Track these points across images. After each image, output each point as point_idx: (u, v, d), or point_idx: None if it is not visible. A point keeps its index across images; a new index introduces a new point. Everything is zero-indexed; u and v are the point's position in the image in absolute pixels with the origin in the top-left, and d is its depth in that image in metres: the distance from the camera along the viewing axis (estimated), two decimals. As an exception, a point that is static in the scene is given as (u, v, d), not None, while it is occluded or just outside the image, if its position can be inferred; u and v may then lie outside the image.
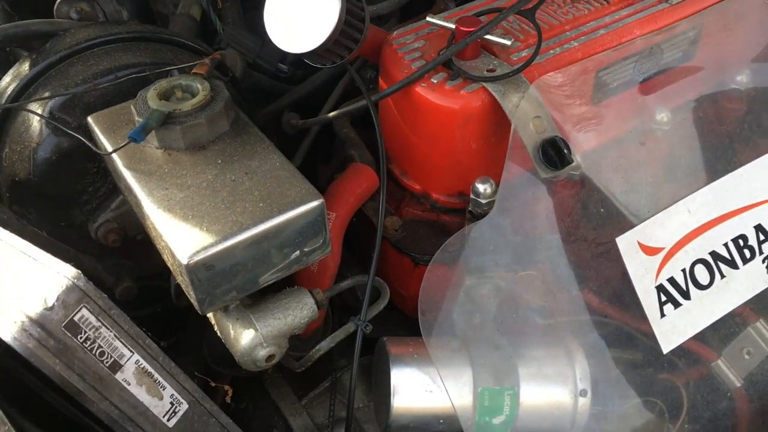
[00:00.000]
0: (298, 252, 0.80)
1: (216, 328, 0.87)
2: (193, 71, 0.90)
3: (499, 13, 0.94)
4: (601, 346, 0.93)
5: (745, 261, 1.00)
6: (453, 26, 0.95)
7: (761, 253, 1.01)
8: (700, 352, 1.00)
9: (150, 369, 0.79)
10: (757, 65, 1.08)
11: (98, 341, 0.75)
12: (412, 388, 0.90)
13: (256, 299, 0.86)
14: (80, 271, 0.73)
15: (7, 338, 0.70)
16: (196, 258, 0.73)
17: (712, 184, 0.99)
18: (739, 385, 1.01)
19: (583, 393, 0.91)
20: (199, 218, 0.76)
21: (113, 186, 0.97)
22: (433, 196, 1.03)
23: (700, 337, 0.98)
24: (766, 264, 1.01)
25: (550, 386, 0.91)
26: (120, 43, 0.99)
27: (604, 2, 1.05)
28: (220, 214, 0.77)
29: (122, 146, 0.82)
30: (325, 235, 0.81)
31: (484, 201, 0.93)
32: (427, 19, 0.99)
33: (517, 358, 0.91)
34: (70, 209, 0.97)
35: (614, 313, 0.94)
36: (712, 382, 1.00)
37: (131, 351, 0.77)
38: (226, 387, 1.03)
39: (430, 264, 0.90)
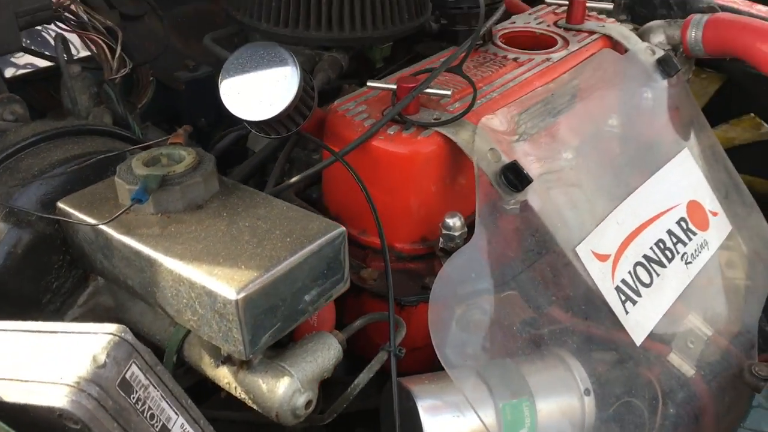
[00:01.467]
0: (327, 283, 0.80)
1: (239, 391, 0.82)
2: (170, 142, 0.90)
3: (432, 71, 1.05)
4: (585, 350, 1.01)
5: (669, 260, 1.14)
6: (394, 86, 1.05)
7: (678, 252, 1.16)
8: (658, 348, 1.10)
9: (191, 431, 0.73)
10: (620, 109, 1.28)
11: (148, 402, 0.68)
12: (441, 416, 0.90)
13: (278, 352, 0.83)
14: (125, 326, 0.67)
15: (63, 403, 0.62)
16: (245, 293, 0.71)
17: (626, 200, 1.14)
18: (693, 372, 1.12)
19: (587, 392, 0.96)
20: (232, 260, 0.75)
21: (79, 279, 0.90)
22: (398, 247, 1.08)
23: (657, 337, 1.09)
24: (684, 261, 1.16)
25: (558, 391, 0.96)
26: (67, 136, 0.96)
27: (502, 65, 1.21)
28: (252, 253, 0.76)
29: (125, 210, 0.79)
30: (345, 266, 0.83)
31: (456, 234, 0.99)
32: (368, 83, 1.08)
33: (522, 370, 0.95)
34: (30, 312, 0.89)
35: (589, 317, 1.02)
36: (673, 373, 1.10)
37: (176, 413, 0.71)
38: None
39: (431, 301, 0.93)
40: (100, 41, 1.21)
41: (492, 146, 1.00)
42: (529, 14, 1.44)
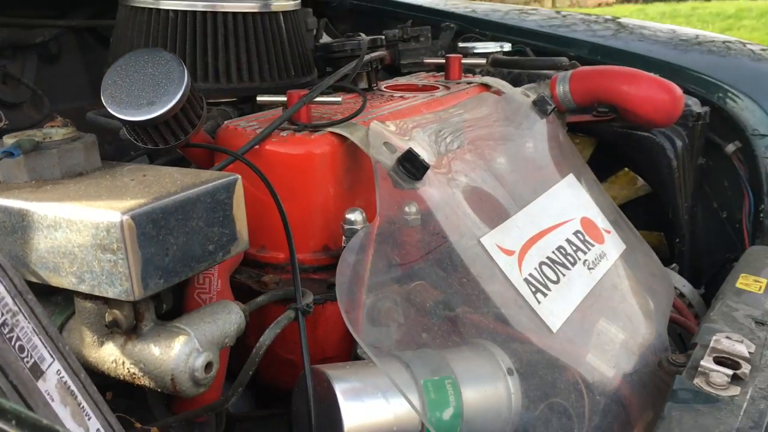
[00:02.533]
0: (222, 235, 0.74)
1: (127, 365, 0.72)
2: (46, 125, 0.85)
3: (323, 80, 1.07)
4: (502, 337, 0.96)
5: (572, 264, 1.14)
6: (284, 99, 1.05)
7: (579, 258, 1.17)
8: (575, 350, 1.07)
9: (73, 387, 0.63)
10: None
11: (17, 331, 0.59)
12: (361, 400, 0.81)
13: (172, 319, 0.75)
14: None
15: None
16: (130, 214, 0.65)
17: (522, 210, 1.15)
18: (613, 371, 1.08)
19: (509, 372, 0.91)
20: (116, 196, 0.69)
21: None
22: (299, 258, 1.02)
23: (572, 340, 1.06)
24: (587, 267, 1.17)
25: (481, 374, 0.90)
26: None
27: (390, 99, 1.25)
28: (138, 192, 0.70)
29: (-6, 163, 0.72)
30: (243, 222, 0.77)
31: (359, 227, 0.96)
32: (258, 99, 1.08)
33: (441, 354, 0.89)
34: None
35: (502, 306, 0.99)
36: (594, 373, 1.06)
37: (52, 356, 0.61)
38: (153, 429, 0.80)
39: (338, 285, 0.87)
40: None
41: (386, 140, 1.00)
42: (410, 77, 1.51)
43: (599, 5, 15.09)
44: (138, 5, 1.26)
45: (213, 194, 0.73)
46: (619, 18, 2.29)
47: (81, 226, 0.66)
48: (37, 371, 0.59)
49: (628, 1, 15.25)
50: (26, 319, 0.60)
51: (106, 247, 0.65)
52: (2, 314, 0.58)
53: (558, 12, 2.38)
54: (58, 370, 0.61)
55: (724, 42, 2.02)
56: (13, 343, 0.58)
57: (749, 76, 1.78)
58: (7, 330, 0.58)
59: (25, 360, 0.58)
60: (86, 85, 1.63)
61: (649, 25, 2.16)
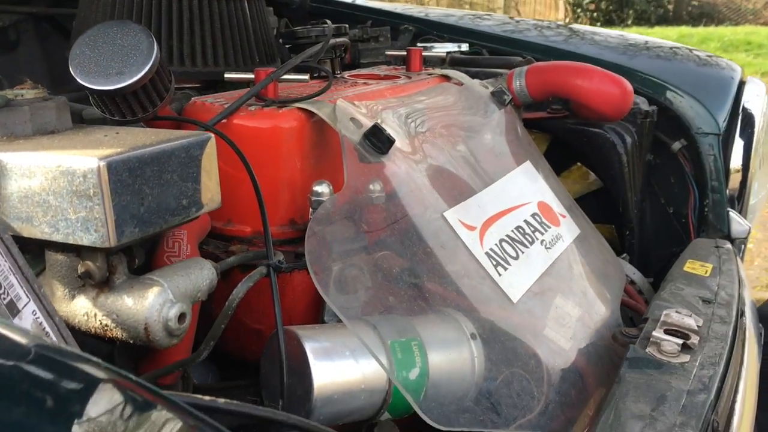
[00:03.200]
0: (196, 191, 0.75)
1: (99, 317, 0.72)
2: (16, 88, 0.85)
3: (291, 59, 1.09)
4: (465, 306, 0.99)
5: (530, 243, 1.18)
6: (252, 76, 1.07)
7: (537, 239, 1.21)
8: (533, 323, 1.10)
9: (48, 329, 0.63)
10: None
11: (-8, 267, 0.59)
12: (330, 359, 0.83)
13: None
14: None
15: None
16: (107, 160, 0.66)
17: (482, 191, 1.19)
18: (570, 344, 1.12)
19: (473, 336, 0.93)
20: (92, 146, 0.70)
21: None
22: (266, 231, 1.04)
23: (531, 314, 1.10)
24: (544, 246, 1.21)
25: (445, 338, 0.92)
26: None
27: (354, 84, 1.28)
28: (114, 143, 0.71)
29: (-33, 115, 0.72)
30: (215, 180, 0.79)
31: (326, 199, 0.98)
32: (225, 75, 1.09)
33: (407, 315, 0.92)
34: None
35: (465, 276, 1.02)
36: (551, 346, 1.10)
37: (27, 296, 0.62)
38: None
39: (307, 249, 0.89)
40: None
41: (353, 116, 1.03)
42: (372, 68, 1.54)
43: (548, 29, 15.42)
44: (102, -12, 1.26)
45: (188, 149, 0.74)
46: (570, 24, 2.37)
47: (57, 173, 0.66)
48: (13, 309, 0.60)
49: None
50: (3, 257, 0.60)
51: (83, 193, 0.66)
52: (-21, 249, 0.58)
53: (511, 18, 2.45)
54: (34, 310, 0.62)
55: (671, 48, 2.11)
56: (-10, 278, 0.58)
57: (694, 79, 1.86)
58: (-17, 265, 0.58)
59: (2, 297, 0.59)
60: (44, 73, 1.62)
61: (600, 31, 2.25)
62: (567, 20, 16.25)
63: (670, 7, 16.15)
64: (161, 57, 0.96)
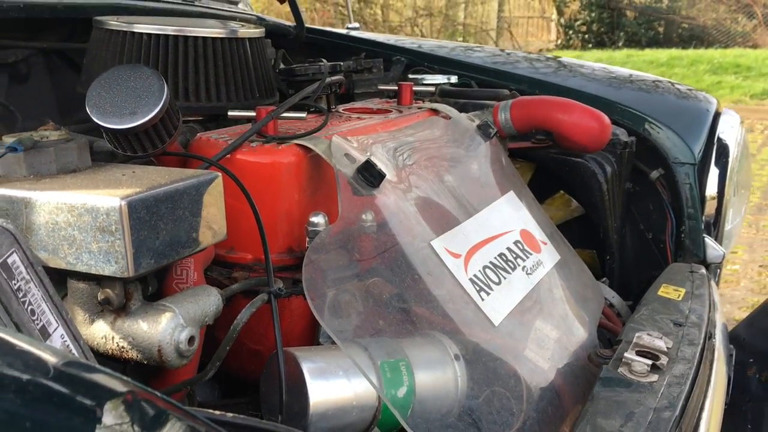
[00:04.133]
0: (200, 223, 0.84)
1: (116, 340, 0.80)
2: (40, 129, 0.93)
3: (290, 98, 1.18)
4: (449, 329, 1.07)
5: (512, 269, 1.26)
6: (253, 114, 1.16)
7: (518, 265, 1.29)
8: (514, 345, 1.18)
9: (74, 350, 0.71)
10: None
11: (29, 296, 0.67)
12: (325, 378, 0.90)
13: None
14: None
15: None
16: (128, 200, 0.74)
17: (467, 220, 1.27)
18: (548, 364, 1.20)
19: (456, 357, 1.01)
20: (113, 186, 0.78)
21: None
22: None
23: (512, 336, 1.18)
24: (525, 272, 1.29)
25: (431, 358, 1.00)
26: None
27: (348, 119, 1.37)
28: (132, 182, 0.79)
29: (1, 156, 0.80)
30: (222, 216, 0.87)
31: (321, 230, 1.06)
32: (229, 114, 1.18)
33: (396, 337, 0.99)
34: None
35: (450, 301, 1.10)
36: (530, 366, 1.18)
37: (57, 321, 0.70)
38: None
39: (304, 275, 0.97)
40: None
41: (347, 151, 1.11)
42: (365, 101, 1.63)
43: (540, 51, 15.65)
44: (113, 28, 1.35)
45: (197, 187, 0.82)
46: (559, 57, 2.47)
47: (82, 210, 0.74)
48: (44, 333, 0.67)
49: (567, 48, 15.86)
50: (36, 287, 0.68)
51: (105, 228, 0.74)
52: (17, 281, 0.66)
53: (502, 50, 2.55)
54: (62, 334, 0.69)
55: (653, 81, 2.21)
56: (26, 306, 0.66)
57: (673, 111, 1.95)
58: (21, 295, 0.66)
59: (36, 322, 0.67)
60: (53, 104, 1.70)
61: (587, 64, 2.34)
62: (559, 42, 16.47)
63: (661, 29, 16.38)
64: (170, 97, 1.05)
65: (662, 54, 13.13)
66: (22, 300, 0.66)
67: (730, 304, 3.90)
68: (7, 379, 0.43)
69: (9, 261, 0.65)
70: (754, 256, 4.59)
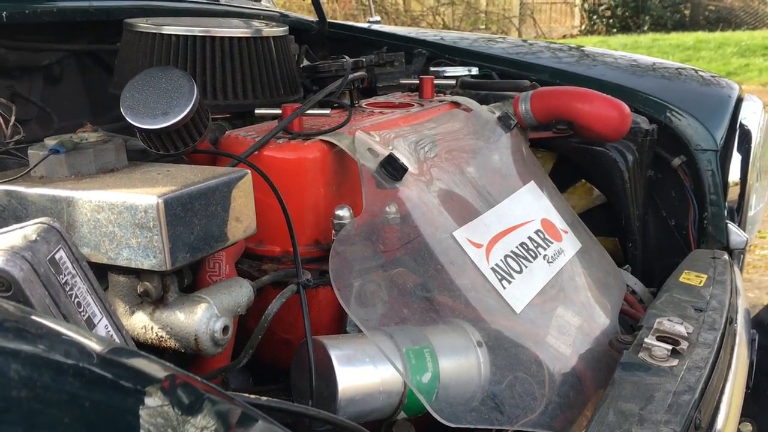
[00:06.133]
0: (231, 218, 0.88)
1: (155, 330, 0.85)
2: (78, 132, 0.98)
3: (313, 95, 1.22)
4: (472, 316, 1.10)
5: (533, 258, 1.29)
6: (279, 111, 1.20)
7: (540, 254, 1.32)
8: (535, 332, 1.22)
9: (117, 340, 0.75)
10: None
11: (75, 290, 0.72)
12: (353, 365, 0.94)
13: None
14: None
15: (-2, 263, 0.65)
16: (165, 198, 0.78)
17: (489, 211, 1.30)
18: (570, 350, 1.23)
19: (479, 344, 1.05)
20: (149, 184, 0.82)
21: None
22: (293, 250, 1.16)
23: (533, 323, 1.21)
24: (546, 261, 1.32)
25: (454, 345, 1.03)
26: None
27: (370, 114, 1.40)
28: (166, 181, 0.84)
29: (43, 158, 0.85)
30: (252, 211, 0.91)
31: (347, 222, 1.10)
32: (256, 112, 1.22)
33: (420, 325, 1.03)
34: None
35: (473, 289, 1.13)
36: (551, 352, 1.21)
37: (101, 313, 0.74)
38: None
39: (331, 267, 1.01)
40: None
41: (370, 146, 1.15)
42: (387, 95, 1.67)
43: (564, 37, 15.54)
44: (143, 30, 1.40)
45: (228, 184, 0.87)
46: (583, 47, 2.48)
47: (122, 208, 0.79)
48: (90, 324, 0.72)
49: (591, 34, 15.71)
50: (82, 281, 0.72)
51: (144, 225, 0.78)
52: (65, 275, 0.70)
53: (524, 41, 2.57)
54: (106, 325, 0.74)
55: (677, 69, 2.21)
56: (73, 299, 0.71)
57: (694, 98, 1.96)
58: (68, 288, 0.70)
59: (82, 314, 0.71)
60: (85, 104, 1.75)
61: (610, 53, 2.35)
62: (583, 27, 16.31)
63: (687, 12, 16.16)
64: (199, 97, 1.09)
65: (688, 37, 12.97)
66: (69, 293, 0.70)
67: (759, 289, 3.88)
68: (63, 364, 0.48)
69: (56, 257, 0.70)
70: (785, 241, 4.55)
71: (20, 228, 0.70)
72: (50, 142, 0.90)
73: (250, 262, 1.16)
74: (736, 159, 1.87)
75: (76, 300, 0.71)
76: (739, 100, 1.97)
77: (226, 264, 1.00)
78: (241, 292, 0.89)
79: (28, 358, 0.46)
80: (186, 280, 0.88)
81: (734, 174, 1.86)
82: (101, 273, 0.88)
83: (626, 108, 1.57)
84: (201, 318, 0.82)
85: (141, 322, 0.85)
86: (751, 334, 1.52)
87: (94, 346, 0.54)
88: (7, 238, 0.68)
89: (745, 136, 1.90)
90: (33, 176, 0.89)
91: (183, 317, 0.83)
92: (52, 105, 1.63)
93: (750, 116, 1.93)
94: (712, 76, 2.16)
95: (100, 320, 0.73)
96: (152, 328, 0.85)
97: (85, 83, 1.76)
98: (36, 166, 0.86)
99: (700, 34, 13.27)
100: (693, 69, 2.22)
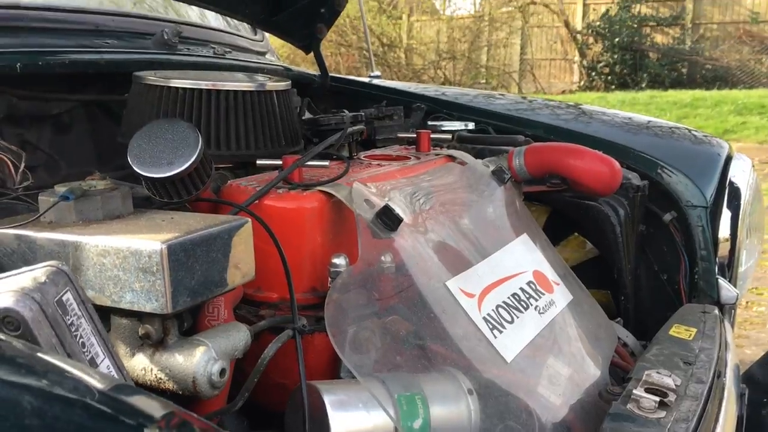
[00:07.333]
0: (231, 264, 0.91)
1: (155, 372, 0.87)
2: (86, 179, 1.02)
3: (313, 147, 1.27)
4: (463, 365, 1.13)
5: (525, 309, 1.32)
6: (280, 162, 1.25)
7: (531, 305, 1.35)
8: (526, 381, 1.24)
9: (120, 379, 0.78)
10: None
11: (80, 330, 0.75)
12: (346, 410, 0.97)
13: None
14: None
15: (8, 303, 0.69)
16: (168, 243, 0.82)
17: (482, 262, 1.34)
18: (560, 400, 1.25)
19: (470, 392, 1.07)
20: (154, 230, 0.86)
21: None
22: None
23: (524, 373, 1.23)
24: (537, 312, 1.35)
25: (446, 389, 1.06)
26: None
27: (368, 166, 1.45)
28: (169, 228, 0.87)
29: (53, 205, 0.89)
30: (251, 259, 0.95)
31: (343, 270, 1.14)
32: (258, 162, 1.26)
33: (412, 372, 1.06)
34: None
35: (465, 338, 1.16)
36: (542, 401, 1.23)
37: (104, 354, 0.77)
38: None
39: (327, 316, 1.04)
40: (5, 158, 1.34)
41: (367, 197, 1.19)
42: (385, 148, 1.72)
43: (563, 92, 15.79)
44: (151, 83, 1.45)
45: (229, 232, 0.90)
46: (581, 105, 2.54)
47: (127, 253, 0.83)
48: (93, 363, 0.75)
49: (590, 90, 15.96)
50: (87, 322, 0.76)
51: (147, 269, 0.82)
52: (71, 317, 0.74)
53: (524, 97, 2.64)
54: (108, 365, 0.77)
55: (670, 127, 2.27)
56: (78, 339, 0.74)
57: (685, 156, 2.01)
58: (74, 329, 0.74)
59: (86, 354, 0.74)
60: (91, 152, 1.80)
61: (608, 111, 2.41)
62: (582, 83, 16.57)
63: (684, 70, 16.43)
64: (204, 148, 1.13)
65: (686, 95, 13.15)
66: (74, 334, 0.73)
67: (756, 345, 3.88)
68: (71, 399, 0.51)
69: (64, 298, 0.73)
70: (781, 297, 4.57)
71: (30, 270, 0.74)
72: (60, 188, 0.94)
73: (248, 307, 1.19)
74: (726, 216, 1.91)
75: (81, 340, 0.74)
76: (729, 159, 2.02)
77: (225, 309, 1.03)
78: (239, 337, 0.92)
79: (39, 391, 0.49)
80: (186, 323, 0.91)
81: (724, 230, 1.90)
82: (104, 315, 0.91)
83: (617, 164, 1.62)
84: (199, 361, 0.85)
85: (141, 364, 0.88)
86: (741, 389, 1.54)
87: (98, 383, 0.57)
88: (18, 279, 0.71)
89: (735, 193, 1.95)
90: (42, 221, 0.92)
91: (182, 359, 0.86)
92: (60, 152, 1.68)
93: (739, 174, 1.98)
94: (704, 136, 2.22)
95: (102, 360, 0.76)
96: (152, 369, 0.87)
97: (93, 132, 1.81)
98: (46, 211, 0.90)
99: (698, 92, 13.46)
100: (686, 128, 2.28)
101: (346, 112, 1.55)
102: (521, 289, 1.36)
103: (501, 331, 1.22)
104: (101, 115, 1.84)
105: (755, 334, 4.07)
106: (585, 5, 17.36)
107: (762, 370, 1.78)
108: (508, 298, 1.31)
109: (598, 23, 16.82)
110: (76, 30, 1.75)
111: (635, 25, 16.30)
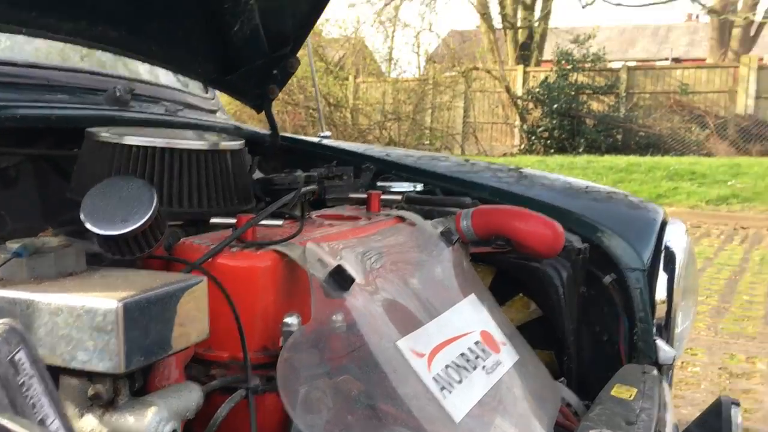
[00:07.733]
0: (186, 323, 0.91)
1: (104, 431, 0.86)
2: (39, 236, 1.01)
3: (266, 207, 1.28)
4: (413, 425, 1.14)
5: (473, 368, 1.35)
6: (234, 221, 1.26)
7: (479, 364, 1.37)
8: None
9: (68, 442, 0.77)
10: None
11: (31, 391, 0.74)
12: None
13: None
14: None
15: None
16: (124, 302, 0.82)
17: (431, 322, 1.37)
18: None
19: (420, 452, 1.08)
20: (109, 288, 0.86)
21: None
22: (241, 357, 1.19)
23: (471, 429, 1.25)
24: (485, 371, 1.37)
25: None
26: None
27: (320, 225, 1.47)
28: (125, 286, 0.88)
29: (6, 261, 0.88)
30: (205, 317, 0.95)
31: (295, 329, 1.14)
32: (211, 221, 1.27)
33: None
34: None
35: (415, 398, 1.17)
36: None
37: (54, 414, 0.76)
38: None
39: (279, 376, 1.04)
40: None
41: (320, 257, 1.21)
42: (337, 208, 1.74)
43: (504, 155, 16.20)
44: (104, 140, 1.46)
45: (184, 290, 0.91)
46: (521, 168, 2.62)
47: (81, 311, 0.82)
48: (43, 424, 0.74)
49: (530, 153, 16.42)
50: (38, 382, 0.75)
51: (102, 328, 0.81)
52: (22, 376, 0.73)
53: (467, 160, 2.71)
54: (58, 427, 0.76)
55: (608, 192, 2.36)
56: (28, 400, 0.73)
57: (623, 221, 2.09)
58: (24, 389, 0.73)
59: (36, 415, 0.73)
60: (37, 207, 1.78)
61: (548, 175, 2.50)
62: (522, 147, 17.05)
63: (619, 137, 17.09)
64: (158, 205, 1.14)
65: (621, 160, 13.65)
66: (24, 394, 0.72)
67: (692, 405, 3.96)
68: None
69: (16, 358, 0.72)
70: (713, 358, 4.70)
71: (-18, 327, 0.73)
72: (12, 245, 0.93)
73: (198, 366, 1.18)
74: (662, 278, 1.98)
75: (32, 401, 0.73)
76: (664, 224, 2.11)
77: (176, 368, 1.03)
78: (191, 397, 0.91)
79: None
80: (137, 383, 0.90)
81: (661, 293, 1.97)
82: (53, 374, 0.89)
83: (560, 227, 1.68)
84: (150, 422, 0.84)
85: (90, 425, 0.87)
86: (680, 448, 1.58)
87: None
88: (-30, 338, 0.70)
89: (670, 257, 2.03)
90: (-8, 278, 0.91)
91: (133, 420, 0.85)
92: (6, 207, 1.65)
93: (674, 239, 2.07)
94: (640, 201, 2.31)
95: (52, 421, 0.75)
96: (102, 431, 0.86)
97: (40, 185, 1.79)
98: (3, 264, 0.89)
99: (632, 158, 13.99)
100: (623, 193, 2.38)
101: (300, 171, 1.58)
102: (469, 348, 1.38)
103: (450, 391, 1.23)
104: (48, 170, 1.82)
105: (690, 394, 4.16)
106: (525, 72, 18.01)
107: (699, 429, 1.83)
108: (457, 357, 1.33)
109: (537, 89, 17.45)
110: (27, 84, 1.74)
111: (573, 93, 16.96)
